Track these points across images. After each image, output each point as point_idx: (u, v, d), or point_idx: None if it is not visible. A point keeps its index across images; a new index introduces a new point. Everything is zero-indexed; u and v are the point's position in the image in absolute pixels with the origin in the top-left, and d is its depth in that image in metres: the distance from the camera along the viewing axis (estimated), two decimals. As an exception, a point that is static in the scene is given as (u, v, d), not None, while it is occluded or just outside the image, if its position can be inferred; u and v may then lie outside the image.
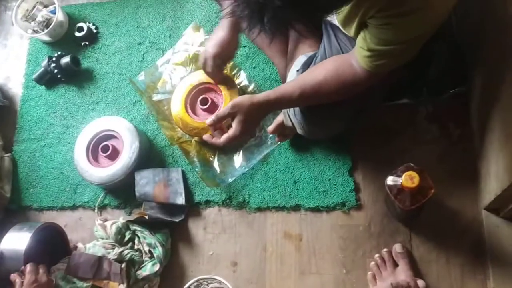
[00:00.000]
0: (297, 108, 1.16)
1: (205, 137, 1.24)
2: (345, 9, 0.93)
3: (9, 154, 1.58)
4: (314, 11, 0.72)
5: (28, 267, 1.20)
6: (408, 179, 1.01)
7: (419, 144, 1.32)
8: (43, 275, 1.21)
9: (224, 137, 1.16)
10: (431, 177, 1.06)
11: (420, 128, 1.33)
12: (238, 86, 1.44)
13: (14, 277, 1.19)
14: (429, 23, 0.88)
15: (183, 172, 1.43)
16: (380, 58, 0.95)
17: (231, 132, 1.15)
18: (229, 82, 1.40)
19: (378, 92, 1.19)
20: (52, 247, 1.35)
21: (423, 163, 1.10)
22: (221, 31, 1.25)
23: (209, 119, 1.18)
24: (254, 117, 1.13)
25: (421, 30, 0.89)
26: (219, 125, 1.20)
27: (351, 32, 0.98)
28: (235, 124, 1.13)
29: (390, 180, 1.08)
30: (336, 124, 1.20)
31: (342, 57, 1.07)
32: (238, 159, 1.42)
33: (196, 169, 1.41)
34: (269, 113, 1.18)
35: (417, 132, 1.33)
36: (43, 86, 1.65)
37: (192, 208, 1.41)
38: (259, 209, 1.37)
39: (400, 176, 1.04)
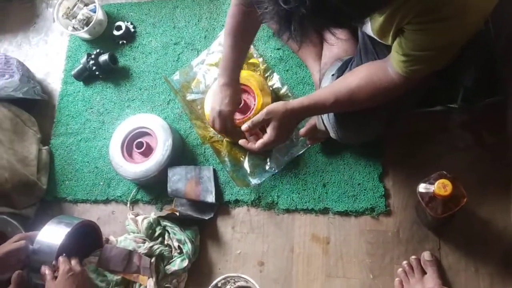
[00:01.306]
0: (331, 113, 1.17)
1: (241, 141, 1.25)
2: (380, 20, 0.94)
3: (47, 147, 1.64)
4: (340, 19, 0.73)
5: (61, 258, 1.23)
6: (441, 187, 1.01)
7: (451, 151, 1.31)
8: (76, 265, 1.24)
9: (259, 142, 1.18)
10: (463, 185, 1.06)
11: (453, 135, 1.32)
12: (271, 89, 1.46)
13: (45, 269, 1.22)
14: (464, 30, 0.89)
15: (214, 170, 1.46)
16: (415, 63, 0.95)
17: (265, 138, 1.16)
18: (262, 85, 1.42)
19: (412, 99, 1.19)
20: (86, 242, 1.38)
21: (455, 171, 1.09)
22: (226, 89, 1.25)
23: (245, 125, 1.19)
24: (288, 123, 1.14)
25: (456, 37, 0.90)
26: (255, 131, 1.22)
27: (388, 41, 0.98)
28: (269, 130, 1.15)
29: (422, 188, 1.08)
30: (369, 129, 1.20)
31: (376, 63, 1.08)
32: (268, 160, 1.43)
33: (227, 169, 1.43)
34: (304, 118, 1.18)
35: (449, 140, 1.32)
36: (81, 82, 1.70)
37: (222, 206, 1.43)
38: (288, 211, 1.38)
39: (432, 183, 1.04)
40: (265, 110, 1.15)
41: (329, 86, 1.12)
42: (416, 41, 0.90)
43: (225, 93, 1.26)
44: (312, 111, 1.14)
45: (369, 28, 1.01)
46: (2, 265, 1.22)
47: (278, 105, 1.14)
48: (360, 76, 1.06)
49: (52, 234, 1.28)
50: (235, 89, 1.26)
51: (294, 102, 1.12)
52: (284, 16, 0.69)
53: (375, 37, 1.03)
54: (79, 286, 1.20)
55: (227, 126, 1.30)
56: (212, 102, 1.30)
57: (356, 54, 1.20)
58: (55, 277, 1.20)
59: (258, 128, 1.21)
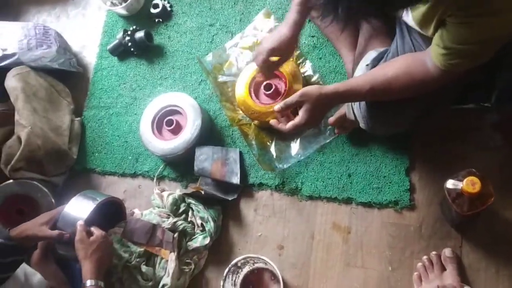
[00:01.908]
0: (362, 102, 1.17)
1: (272, 121, 1.24)
2: (422, 9, 0.93)
3: (79, 118, 1.68)
4: (389, 4, 0.73)
5: (93, 228, 1.27)
6: (469, 184, 1.00)
7: (480, 150, 1.30)
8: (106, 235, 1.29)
9: (290, 124, 1.17)
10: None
11: (483, 135, 1.31)
12: (303, 75, 1.46)
13: (79, 224, 1.25)
14: (509, 26, 0.87)
15: (240, 153, 1.48)
16: (455, 57, 0.94)
17: (297, 120, 1.16)
18: (294, 71, 1.42)
19: (449, 94, 1.18)
20: (110, 217, 1.41)
21: (483, 170, 1.08)
22: (283, 27, 1.25)
23: (277, 105, 1.19)
24: (321, 107, 1.14)
25: (500, 32, 0.88)
26: (286, 112, 1.21)
27: (429, 32, 0.97)
28: (301, 113, 1.15)
29: (450, 184, 1.07)
30: (400, 122, 1.20)
31: (414, 55, 1.07)
32: (295, 146, 1.44)
33: (253, 152, 1.45)
34: (336, 105, 1.18)
35: (480, 139, 1.31)
36: (116, 58, 1.73)
37: (246, 189, 1.45)
38: (311, 198, 1.40)
39: (461, 180, 1.03)
40: (299, 92, 1.14)
41: (365, 75, 1.12)
42: (458, 34, 0.89)
43: (276, 30, 1.26)
44: (346, 97, 1.13)
45: (410, 17, 1.00)
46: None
47: (313, 88, 1.13)
48: (397, 66, 1.05)
49: (78, 208, 1.30)
50: (288, 30, 1.23)
51: (328, 87, 1.12)
52: None
53: (416, 27, 1.02)
54: (107, 253, 1.25)
55: (257, 59, 1.30)
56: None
57: (392, 46, 1.19)
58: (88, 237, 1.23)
59: (290, 111, 1.21)
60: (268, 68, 1.33)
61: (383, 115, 1.17)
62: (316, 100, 1.12)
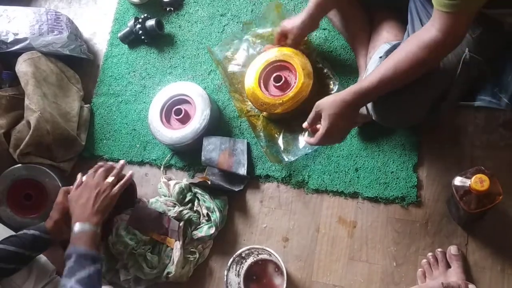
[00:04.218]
0: None
1: (304, 138, 1.26)
2: None
3: (88, 105, 1.69)
4: None
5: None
6: (478, 181, 0.99)
7: (490, 149, 1.29)
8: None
9: (316, 135, 1.17)
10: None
11: (494, 133, 1.30)
12: (313, 68, 1.45)
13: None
14: None
15: (248, 144, 1.48)
16: None
17: (320, 129, 1.15)
18: (304, 64, 1.42)
19: (457, 87, 1.16)
20: (122, 197, 1.41)
21: (492, 169, 1.07)
22: (306, 12, 1.31)
23: (304, 123, 1.21)
24: (339, 112, 1.11)
25: None
26: (314, 128, 1.21)
27: None
28: (322, 121, 1.13)
29: (458, 181, 1.07)
30: (412, 111, 1.17)
31: (418, 31, 1.06)
32: (303, 139, 1.44)
33: (261, 143, 1.45)
34: (358, 107, 1.14)
35: (490, 138, 1.30)
36: (126, 45, 1.73)
37: (252, 180, 1.46)
38: (317, 191, 1.39)
39: (469, 178, 1.03)
40: (314, 106, 1.16)
41: (376, 68, 1.11)
42: None
43: (298, 15, 1.35)
44: (363, 95, 1.09)
45: None
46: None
47: (327, 97, 1.14)
48: (405, 43, 1.05)
49: None
50: (307, 15, 1.33)
51: (342, 92, 1.12)
52: None
53: None
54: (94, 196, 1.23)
55: (277, 38, 1.43)
56: None
57: (404, 37, 1.18)
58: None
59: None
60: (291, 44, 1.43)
61: (393, 104, 1.15)
62: (331, 105, 1.11)
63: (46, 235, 1.21)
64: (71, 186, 1.29)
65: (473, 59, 1.13)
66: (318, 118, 1.16)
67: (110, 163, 1.47)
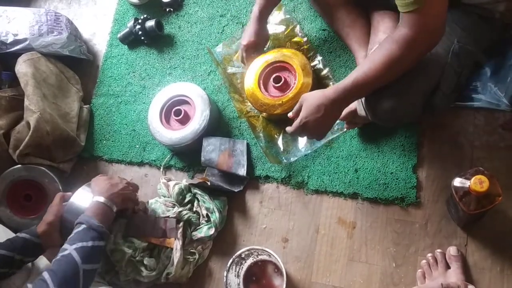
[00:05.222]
0: None
1: (287, 128, 1.27)
2: None
3: (88, 105, 1.69)
4: None
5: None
6: (477, 182, 1.00)
7: (490, 150, 1.29)
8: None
9: (294, 123, 1.20)
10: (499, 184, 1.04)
11: (493, 134, 1.30)
12: (313, 69, 1.45)
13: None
14: None
15: (248, 145, 1.48)
16: None
17: (298, 118, 1.19)
18: (304, 64, 1.42)
19: (446, 79, 1.17)
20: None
21: (491, 170, 1.08)
22: (250, 25, 1.43)
23: (289, 113, 1.24)
24: (319, 103, 1.13)
25: None
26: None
27: None
28: (301, 112, 1.18)
29: (457, 182, 1.07)
30: (404, 106, 1.15)
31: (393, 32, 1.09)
32: (302, 140, 1.44)
33: (261, 144, 1.45)
34: (340, 105, 1.15)
35: (489, 139, 1.30)
36: (126, 46, 1.73)
37: (252, 181, 1.46)
38: (317, 192, 1.39)
39: (468, 178, 1.03)
40: (301, 97, 1.20)
41: (356, 68, 1.13)
42: None
43: (246, 29, 1.45)
44: (345, 92, 1.11)
45: None
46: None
47: (315, 91, 1.18)
48: (380, 44, 1.09)
49: (84, 198, 1.29)
50: (255, 25, 1.43)
51: (329, 88, 1.15)
52: None
53: None
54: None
55: (242, 57, 1.49)
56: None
57: None
58: None
59: None
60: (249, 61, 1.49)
61: (386, 100, 1.14)
62: (313, 98, 1.14)
63: (37, 239, 1.21)
64: (69, 193, 1.31)
65: (463, 50, 1.15)
66: (299, 107, 1.19)
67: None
